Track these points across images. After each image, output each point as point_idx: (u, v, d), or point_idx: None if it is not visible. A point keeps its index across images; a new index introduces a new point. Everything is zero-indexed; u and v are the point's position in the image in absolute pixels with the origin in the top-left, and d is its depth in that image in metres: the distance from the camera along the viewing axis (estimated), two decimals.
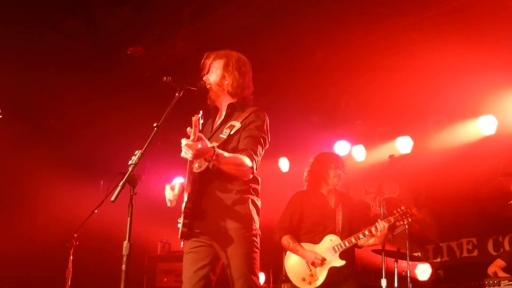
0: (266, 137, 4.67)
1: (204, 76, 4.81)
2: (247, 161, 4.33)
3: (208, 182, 4.51)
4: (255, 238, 4.49)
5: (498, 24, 7.30)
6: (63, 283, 7.13)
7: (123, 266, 3.72)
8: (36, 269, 10.05)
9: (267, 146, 4.72)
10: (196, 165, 4.45)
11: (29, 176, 10.95)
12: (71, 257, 7.22)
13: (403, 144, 9.65)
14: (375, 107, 9.48)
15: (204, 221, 4.47)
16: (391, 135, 9.84)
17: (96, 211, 7.00)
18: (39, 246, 10.19)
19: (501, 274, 7.23)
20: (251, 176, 4.47)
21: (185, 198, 4.41)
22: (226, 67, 4.77)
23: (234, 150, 4.46)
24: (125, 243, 3.74)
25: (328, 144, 10.36)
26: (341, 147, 10.31)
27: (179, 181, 4.73)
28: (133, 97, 9.53)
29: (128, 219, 3.77)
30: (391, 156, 8.18)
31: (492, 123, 8.75)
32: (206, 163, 4.40)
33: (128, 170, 3.79)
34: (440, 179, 9.21)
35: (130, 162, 3.84)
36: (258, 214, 4.61)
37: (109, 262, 9.33)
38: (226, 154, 4.23)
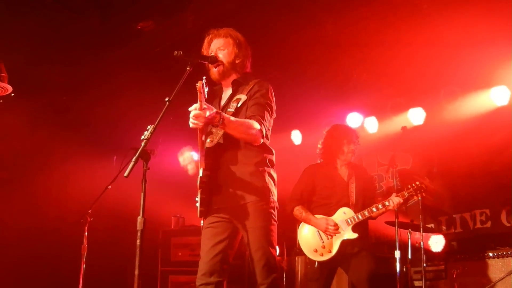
0: (272, 104, 4.70)
1: (205, 55, 4.82)
2: (256, 125, 4.37)
3: (222, 156, 4.54)
4: (272, 211, 4.54)
5: None
6: (78, 259, 7.18)
7: (138, 241, 3.74)
8: (51, 245, 10.11)
9: (274, 114, 4.76)
10: (208, 140, 4.46)
11: (43, 153, 10.99)
12: (86, 233, 7.26)
13: (416, 116, 9.60)
14: (387, 79, 9.43)
15: (221, 196, 4.51)
16: (404, 107, 9.79)
17: (109, 187, 7.01)
18: (54, 222, 10.23)
19: None
20: (261, 140, 4.48)
21: (200, 174, 4.43)
22: (239, 47, 4.81)
23: None
24: (139, 218, 3.76)
25: (340, 116, 10.33)
26: (353, 119, 10.28)
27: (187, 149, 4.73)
28: (144, 72, 9.51)
29: (142, 194, 3.78)
30: (404, 128, 8.16)
31: (505, 93, 8.69)
32: (218, 138, 4.40)
33: (141, 145, 3.79)
34: (453, 150, 9.18)
35: (142, 137, 3.85)
36: (275, 186, 4.65)
37: (123, 238, 9.39)
38: (232, 118, 4.26)
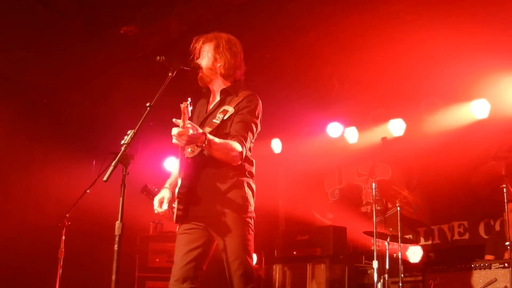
0: (258, 122, 4.69)
1: (193, 61, 4.78)
2: (237, 147, 4.36)
3: (201, 166, 4.52)
4: (250, 221, 4.53)
5: (493, 7, 7.30)
6: (55, 263, 7.13)
7: (115, 246, 3.73)
8: (28, 249, 10.01)
9: (259, 130, 4.74)
10: (189, 149, 4.45)
11: (21, 156, 10.91)
12: (63, 237, 7.22)
13: (396, 127, 9.65)
14: (368, 89, 9.48)
15: (199, 206, 4.50)
16: (384, 118, 9.84)
17: (88, 191, 6.98)
18: (31, 226, 10.14)
19: None
20: (239, 162, 4.48)
21: (179, 183, 4.43)
22: (216, 49, 4.76)
23: (227, 135, 4.48)
24: (117, 223, 3.75)
25: (321, 125, 10.37)
26: (333, 129, 10.31)
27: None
28: (126, 77, 9.48)
29: (121, 199, 3.77)
30: (384, 138, 8.21)
31: (485, 107, 8.76)
32: (199, 148, 4.39)
33: (121, 149, 3.78)
34: (433, 162, 9.24)
35: (122, 141, 3.83)
36: (253, 196, 4.64)
37: (101, 242, 9.33)
38: (217, 140, 4.24)
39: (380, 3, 7.65)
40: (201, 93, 4.95)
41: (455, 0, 7.37)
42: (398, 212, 7.56)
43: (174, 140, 4.03)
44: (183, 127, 3.95)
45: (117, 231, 3.74)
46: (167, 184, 4.77)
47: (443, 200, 9.26)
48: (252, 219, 4.57)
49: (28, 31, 8.70)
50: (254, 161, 4.75)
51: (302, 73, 9.40)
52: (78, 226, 7.65)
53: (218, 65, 4.75)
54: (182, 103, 3.95)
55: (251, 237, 4.52)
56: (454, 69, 8.33)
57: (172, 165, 11.23)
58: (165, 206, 4.55)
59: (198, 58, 4.81)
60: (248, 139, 4.52)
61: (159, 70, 4.58)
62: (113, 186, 3.88)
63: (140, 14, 8.54)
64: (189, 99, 4.06)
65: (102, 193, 6.61)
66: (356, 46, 8.42)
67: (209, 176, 4.52)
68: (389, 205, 9.24)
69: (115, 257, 3.70)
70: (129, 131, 3.88)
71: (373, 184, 7.57)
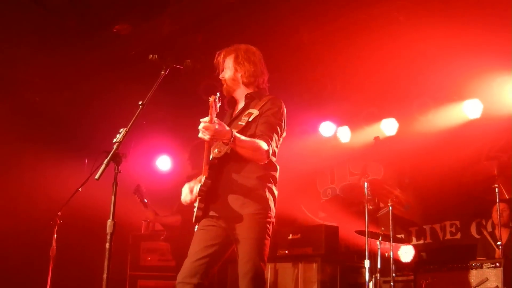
0: (282, 124, 4.78)
1: (219, 75, 4.95)
2: (263, 145, 4.41)
3: (226, 167, 4.56)
4: (268, 226, 4.53)
5: (484, 8, 7.33)
6: (47, 262, 7.12)
7: (107, 245, 3.73)
8: (19, 247, 10.01)
9: (284, 134, 4.86)
10: (216, 150, 4.47)
11: (13, 154, 10.88)
12: (55, 236, 7.21)
13: (388, 126, 9.64)
14: (361, 88, 9.49)
15: (219, 204, 4.53)
16: (377, 117, 9.83)
17: (80, 189, 6.95)
18: (23, 224, 10.12)
19: None
20: (266, 161, 4.52)
21: (202, 181, 4.47)
22: (236, 59, 4.90)
23: (252, 136, 4.51)
24: (109, 222, 3.76)
25: (313, 124, 10.37)
26: (326, 128, 10.31)
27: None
28: (119, 75, 9.48)
29: (112, 197, 3.78)
30: (376, 138, 8.20)
31: (477, 107, 8.77)
32: (226, 149, 4.42)
33: (113, 148, 3.78)
34: (425, 161, 9.25)
35: (114, 140, 3.84)
36: (274, 202, 4.66)
37: (93, 241, 9.33)
38: (243, 137, 4.31)
39: (373, 3, 7.67)
40: (196, 92, 4.99)
41: (447, 1, 7.39)
42: (390, 212, 7.58)
43: (200, 134, 4.10)
44: (210, 121, 4.01)
45: (108, 230, 3.75)
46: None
47: (435, 200, 9.27)
48: (271, 225, 4.57)
49: (21, 29, 8.69)
50: (278, 167, 4.79)
51: (295, 72, 9.41)
52: (70, 225, 7.64)
53: (239, 74, 4.87)
54: (210, 97, 4.04)
55: (268, 242, 4.51)
56: (446, 69, 8.36)
57: (165, 164, 11.29)
58: (195, 191, 4.60)
59: (222, 71, 4.94)
60: (274, 140, 4.58)
61: (152, 69, 4.58)
62: (105, 184, 3.88)
63: (133, 13, 8.55)
64: (218, 93, 4.17)
65: (94, 192, 6.59)
66: (348, 45, 8.43)
67: (232, 178, 4.55)
68: (381, 205, 9.24)
69: (107, 256, 3.71)
70: (121, 130, 3.89)
71: (365, 183, 7.58)
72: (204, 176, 4.46)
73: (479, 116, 8.76)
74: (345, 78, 9.37)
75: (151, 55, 4.41)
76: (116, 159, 3.79)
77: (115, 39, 8.99)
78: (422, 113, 9.22)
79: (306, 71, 9.39)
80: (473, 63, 7.95)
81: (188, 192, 4.69)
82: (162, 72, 4.39)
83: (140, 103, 4.04)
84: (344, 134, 10.28)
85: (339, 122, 10.35)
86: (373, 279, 7.33)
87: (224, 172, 4.56)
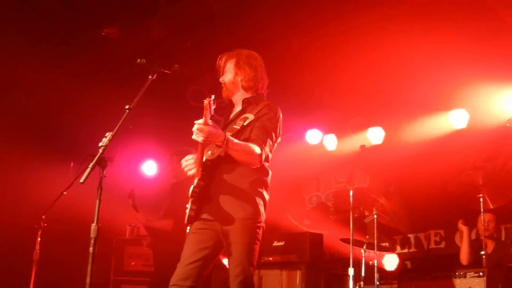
0: (278, 130, 4.78)
1: (220, 78, 4.99)
2: (256, 149, 4.43)
3: (219, 170, 4.59)
4: (258, 231, 4.55)
5: (472, 18, 7.37)
6: (30, 265, 7.08)
7: (91, 249, 3.72)
8: (2, 250, 9.95)
9: (279, 139, 4.86)
10: (209, 152, 4.49)
11: None
12: (39, 239, 7.18)
13: (375, 135, 9.68)
14: (348, 96, 9.50)
15: (211, 207, 4.55)
16: (363, 125, 9.86)
17: (65, 193, 6.93)
18: (7, 227, 10.08)
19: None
20: (259, 165, 4.54)
21: (194, 183, 4.48)
22: (237, 64, 4.95)
23: (246, 140, 4.53)
24: (93, 226, 3.75)
25: (299, 132, 10.38)
26: (312, 136, 10.33)
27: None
28: (107, 79, 9.45)
29: (97, 201, 3.77)
30: (363, 146, 8.24)
31: (463, 117, 8.82)
32: (219, 151, 4.45)
33: (98, 152, 3.77)
34: (411, 170, 9.27)
35: (100, 144, 3.83)
36: (265, 207, 4.68)
37: (77, 245, 9.25)
38: (236, 141, 4.34)
39: (362, 12, 7.69)
40: (182, 95, 5.00)
41: (435, 10, 7.43)
42: (375, 220, 7.59)
43: (194, 136, 4.13)
44: (205, 123, 4.04)
45: (92, 234, 3.74)
46: None
47: (420, 209, 9.31)
48: (261, 229, 4.59)
49: (8, 29, 8.65)
50: (270, 172, 4.81)
51: (282, 79, 9.40)
52: (54, 228, 7.60)
53: (239, 78, 4.91)
54: (205, 99, 4.04)
55: (257, 247, 4.53)
56: (433, 79, 8.40)
57: (151, 169, 11.25)
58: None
59: (223, 74, 4.98)
60: (267, 145, 4.59)
61: (139, 73, 4.58)
62: (90, 188, 3.87)
63: (122, 16, 8.53)
64: (213, 96, 4.17)
65: (79, 195, 6.56)
66: (336, 53, 8.45)
67: (225, 180, 4.57)
68: (366, 213, 9.26)
69: (90, 260, 3.69)
70: (107, 134, 3.88)
71: (351, 191, 7.59)
72: (197, 178, 4.46)
73: (465, 126, 8.82)
74: (333, 86, 9.39)
75: (139, 59, 4.42)
76: (102, 163, 3.79)
77: (104, 42, 8.96)
78: (408, 122, 9.26)
79: (294, 78, 9.39)
80: (460, 73, 8.00)
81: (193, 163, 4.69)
82: (150, 77, 4.41)
83: (127, 107, 4.03)
84: (331, 142, 10.31)
85: (326, 130, 10.37)
86: (357, 287, 7.34)
87: (217, 174, 4.58)
